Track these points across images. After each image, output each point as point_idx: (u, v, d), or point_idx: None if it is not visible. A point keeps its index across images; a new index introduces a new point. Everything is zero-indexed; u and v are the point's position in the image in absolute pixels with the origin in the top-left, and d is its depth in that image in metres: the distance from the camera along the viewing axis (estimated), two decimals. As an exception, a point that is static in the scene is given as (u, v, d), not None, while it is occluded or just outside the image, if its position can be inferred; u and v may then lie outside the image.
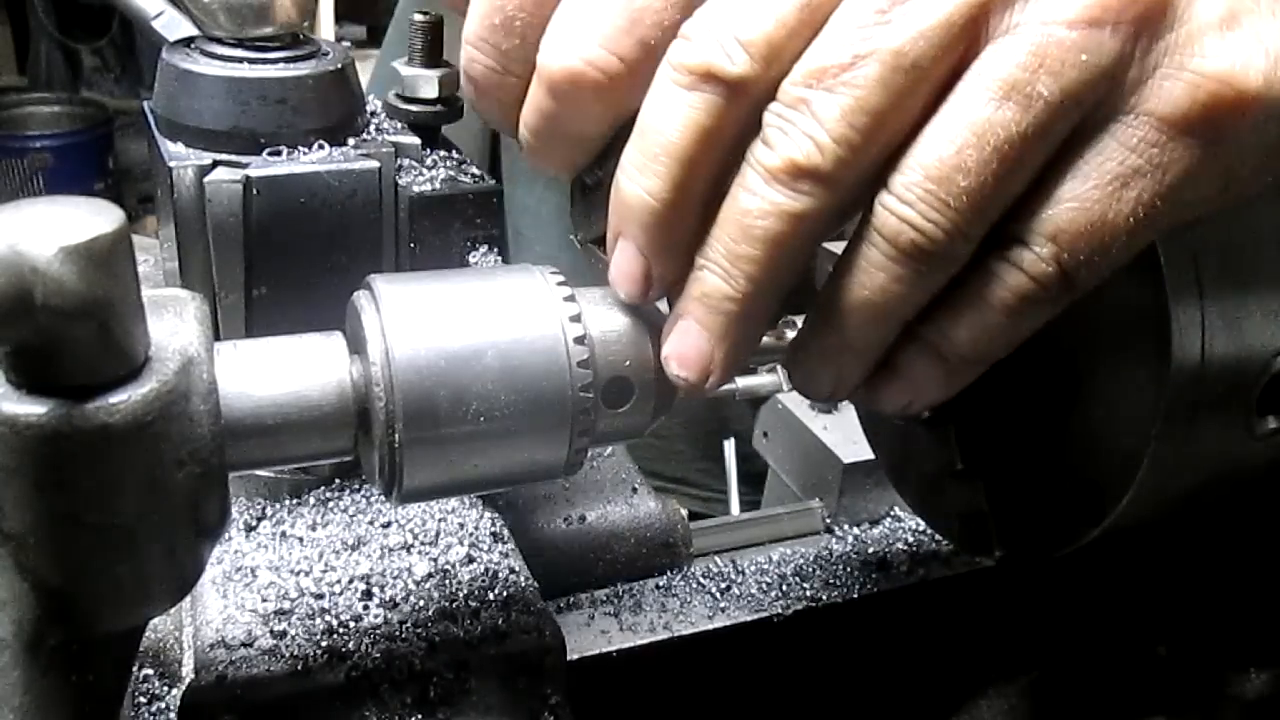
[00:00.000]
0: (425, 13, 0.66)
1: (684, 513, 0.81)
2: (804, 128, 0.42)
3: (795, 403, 0.95)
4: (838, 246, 0.47)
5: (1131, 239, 0.43)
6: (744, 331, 0.47)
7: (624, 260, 0.47)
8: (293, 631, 0.57)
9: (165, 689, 0.62)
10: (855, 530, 0.87)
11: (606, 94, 0.46)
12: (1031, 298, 0.44)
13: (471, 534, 0.65)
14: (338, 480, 0.68)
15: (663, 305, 0.50)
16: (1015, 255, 0.43)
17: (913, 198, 0.42)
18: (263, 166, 0.60)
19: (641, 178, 0.45)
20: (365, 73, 0.69)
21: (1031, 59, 0.40)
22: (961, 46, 0.41)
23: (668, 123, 0.44)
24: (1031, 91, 0.40)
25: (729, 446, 1.22)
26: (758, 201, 0.43)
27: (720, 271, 0.45)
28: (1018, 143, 0.41)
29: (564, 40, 0.46)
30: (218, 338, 0.46)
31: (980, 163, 0.41)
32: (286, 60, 0.62)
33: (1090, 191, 0.42)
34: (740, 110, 0.43)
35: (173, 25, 0.73)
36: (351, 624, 0.58)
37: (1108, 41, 0.40)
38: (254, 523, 0.65)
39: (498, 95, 0.51)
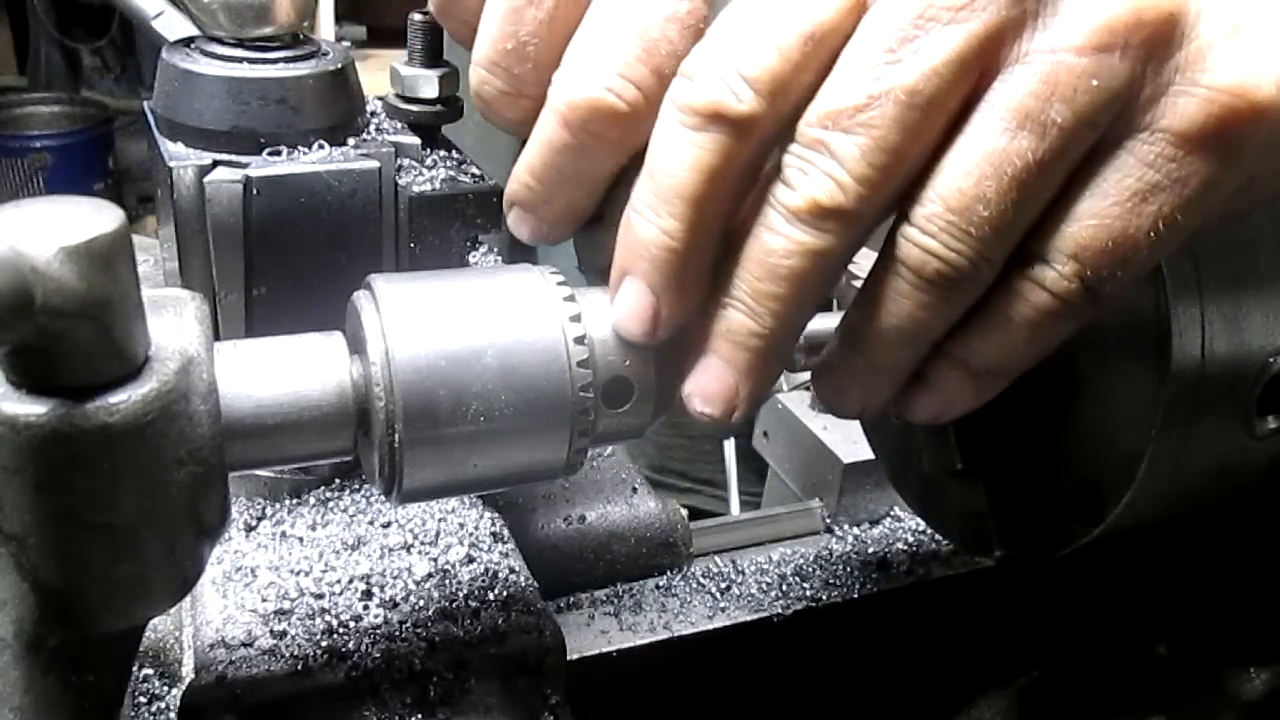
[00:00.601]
0: (425, 13, 0.66)
1: (684, 512, 0.81)
2: (825, 168, 0.42)
3: (795, 402, 0.95)
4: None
5: (1153, 252, 0.43)
6: (768, 367, 0.47)
7: (632, 300, 0.47)
8: (293, 631, 0.57)
9: (165, 689, 0.62)
10: (855, 530, 0.87)
11: (625, 124, 0.46)
12: (1056, 314, 0.44)
13: (471, 534, 0.65)
14: (338, 480, 0.68)
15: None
16: (1038, 274, 0.44)
17: (935, 229, 0.42)
18: (263, 166, 0.60)
19: (656, 218, 0.45)
20: (365, 73, 0.69)
21: (1043, 87, 0.41)
22: (973, 78, 0.41)
23: (677, 164, 0.44)
24: (1045, 119, 0.41)
25: (729, 446, 1.22)
26: (782, 241, 0.44)
27: (745, 309, 0.45)
28: (1035, 170, 0.41)
29: (580, 73, 0.46)
30: (218, 338, 0.45)
31: (999, 192, 0.41)
32: (286, 60, 0.62)
33: (1110, 208, 0.43)
34: (749, 148, 0.44)
35: (173, 25, 0.73)
36: (351, 624, 0.58)
37: (1117, 65, 0.41)
38: (254, 523, 0.65)
39: (512, 114, 0.51)
